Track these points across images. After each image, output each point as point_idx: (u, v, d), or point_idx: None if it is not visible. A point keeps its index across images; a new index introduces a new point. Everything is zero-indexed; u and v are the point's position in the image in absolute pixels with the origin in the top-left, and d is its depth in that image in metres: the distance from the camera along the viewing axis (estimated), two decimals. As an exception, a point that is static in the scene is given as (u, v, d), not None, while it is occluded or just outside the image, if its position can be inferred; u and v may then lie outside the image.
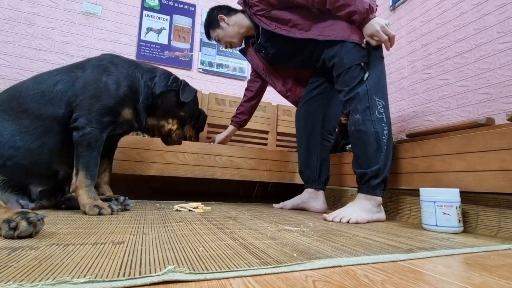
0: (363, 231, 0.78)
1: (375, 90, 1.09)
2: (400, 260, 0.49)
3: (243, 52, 1.56)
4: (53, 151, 0.94)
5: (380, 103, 1.08)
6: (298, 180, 1.70)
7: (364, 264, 0.45)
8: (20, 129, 0.90)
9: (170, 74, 1.19)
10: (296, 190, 1.84)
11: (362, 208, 1.03)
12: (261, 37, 1.35)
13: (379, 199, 1.05)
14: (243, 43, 1.51)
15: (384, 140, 1.05)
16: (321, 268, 0.42)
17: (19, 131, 0.90)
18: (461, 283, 0.38)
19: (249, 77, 1.74)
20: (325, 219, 1.01)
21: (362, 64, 1.11)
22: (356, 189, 1.11)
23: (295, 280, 0.37)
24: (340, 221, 0.98)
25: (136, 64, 1.11)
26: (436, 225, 0.85)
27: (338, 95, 1.20)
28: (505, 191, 0.80)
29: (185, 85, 1.21)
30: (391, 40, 1.10)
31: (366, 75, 1.10)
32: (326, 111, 1.42)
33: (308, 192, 1.38)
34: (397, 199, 1.19)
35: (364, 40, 1.12)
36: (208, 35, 1.50)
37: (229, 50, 2.58)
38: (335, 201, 1.57)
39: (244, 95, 1.70)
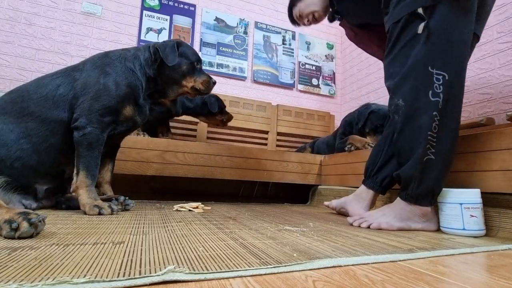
0: (363, 231, 0.78)
1: (433, 56, 0.74)
2: (400, 260, 0.49)
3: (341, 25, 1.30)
4: (59, 152, 0.96)
5: (441, 76, 0.74)
6: (298, 180, 1.70)
7: (364, 264, 0.45)
8: (27, 132, 0.92)
9: (148, 48, 1.12)
10: (296, 190, 1.84)
11: (396, 213, 0.83)
12: None
13: (425, 208, 0.83)
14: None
15: (430, 138, 0.76)
16: (321, 268, 0.42)
17: (26, 134, 0.92)
18: (461, 283, 0.38)
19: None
20: (348, 222, 0.90)
21: (420, 10, 0.74)
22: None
23: (295, 280, 0.37)
24: (359, 226, 0.85)
25: (123, 56, 1.06)
26: (464, 229, 0.77)
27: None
28: (505, 191, 0.80)
29: (163, 49, 1.09)
30: None
31: (421, 27, 0.73)
32: None
33: (354, 194, 1.09)
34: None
35: None
36: (292, 19, 1.30)
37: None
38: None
39: None
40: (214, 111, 1.88)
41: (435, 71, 0.74)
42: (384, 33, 0.93)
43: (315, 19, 1.24)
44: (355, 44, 1.30)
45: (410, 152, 0.80)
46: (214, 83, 1.22)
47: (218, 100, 1.91)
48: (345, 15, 1.14)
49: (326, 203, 1.25)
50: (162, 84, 1.13)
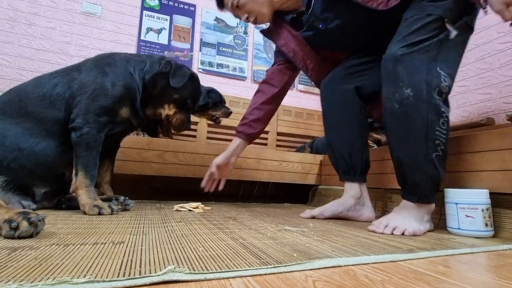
0: (363, 231, 0.78)
1: (446, 59, 0.78)
2: (400, 260, 0.49)
3: (269, 33, 1.14)
4: (57, 154, 0.95)
5: (447, 78, 0.77)
6: (298, 180, 1.70)
7: (364, 264, 0.45)
8: (24, 131, 0.91)
9: (163, 58, 1.11)
10: (296, 190, 1.84)
11: (413, 216, 0.80)
12: (315, 5, 0.96)
13: (432, 206, 0.83)
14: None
15: (440, 134, 0.77)
16: (321, 268, 0.42)
17: (23, 134, 0.91)
18: (461, 283, 0.38)
19: (266, 69, 1.26)
20: (373, 231, 0.78)
21: (446, 20, 0.77)
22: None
23: (295, 280, 0.37)
24: (392, 233, 0.76)
25: (127, 59, 1.07)
26: (459, 228, 0.79)
27: (390, 47, 0.83)
28: (505, 191, 0.80)
29: (177, 68, 1.08)
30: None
31: (453, 34, 0.77)
32: (366, 84, 1.05)
33: (352, 197, 1.02)
34: (397, 200, 1.19)
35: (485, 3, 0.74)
36: (221, 2, 1.10)
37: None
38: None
39: (260, 93, 1.20)
40: (202, 104, 1.75)
41: (442, 72, 0.77)
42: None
43: (256, 22, 1.10)
44: (295, 62, 1.14)
45: (417, 148, 0.78)
46: (187, 128, 1.17)
47: (209, 92, 1.78)
48: (335, 36, 1.02)
49: (310, 214, 1.05)
50: (150, 93, 1.09)
